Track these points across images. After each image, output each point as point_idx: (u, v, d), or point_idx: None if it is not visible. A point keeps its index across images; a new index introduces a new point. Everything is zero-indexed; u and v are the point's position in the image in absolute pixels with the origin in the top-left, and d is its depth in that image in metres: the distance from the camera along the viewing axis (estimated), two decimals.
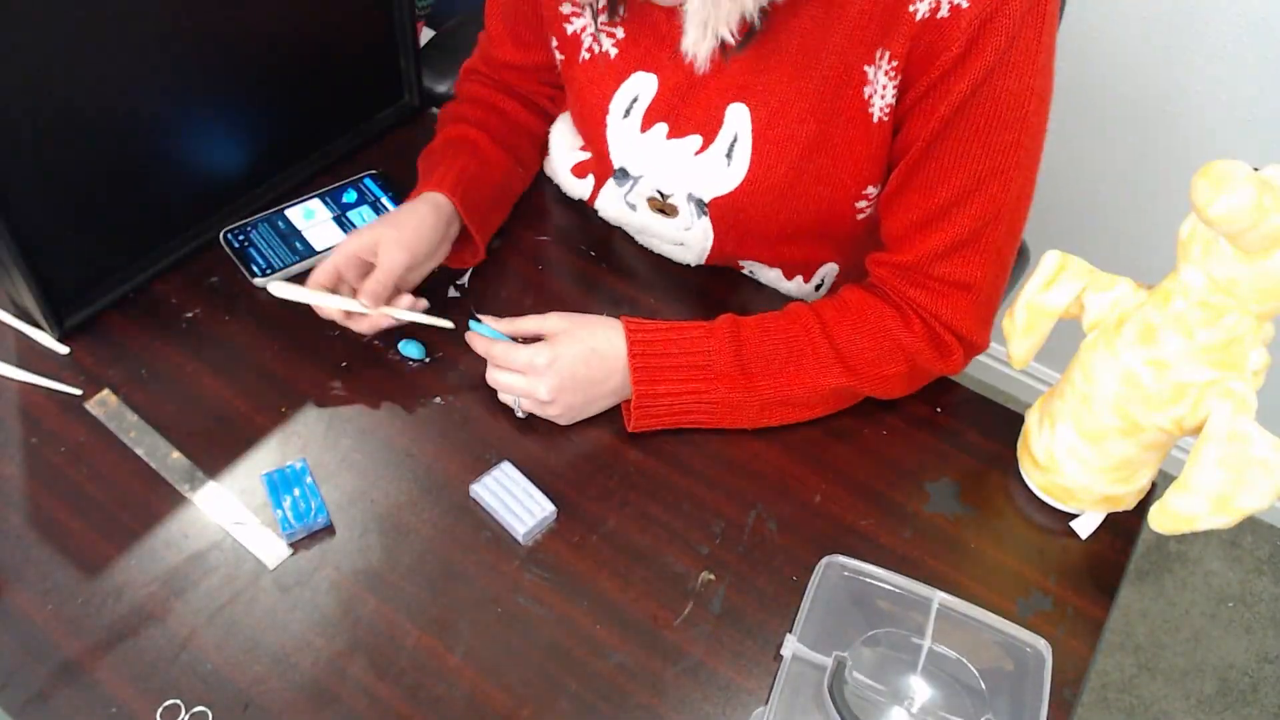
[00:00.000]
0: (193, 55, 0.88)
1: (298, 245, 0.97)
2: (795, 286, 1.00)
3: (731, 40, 0.76)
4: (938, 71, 0.74)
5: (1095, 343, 0.76)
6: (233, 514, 0.79)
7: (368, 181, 1.04)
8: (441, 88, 1.31)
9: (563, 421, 0.85)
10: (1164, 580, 1.76)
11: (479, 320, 0.86)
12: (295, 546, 0.77)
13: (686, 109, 0.87)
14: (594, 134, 0.93)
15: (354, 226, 0.99)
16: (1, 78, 0.75)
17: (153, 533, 0.77)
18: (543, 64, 0.98)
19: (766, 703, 0.71)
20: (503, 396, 0.86)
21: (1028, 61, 0.74)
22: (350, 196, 1.02)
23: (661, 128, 0.88)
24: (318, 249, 0.97)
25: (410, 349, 0.90)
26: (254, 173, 1.01)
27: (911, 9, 0.73)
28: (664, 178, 0.91)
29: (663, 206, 0.92)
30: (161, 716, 0.69)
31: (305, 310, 0.93)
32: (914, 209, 0.82)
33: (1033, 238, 1.24)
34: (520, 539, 0.78)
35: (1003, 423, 0.89)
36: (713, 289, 0.98)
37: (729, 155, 0.86)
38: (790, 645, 0.73)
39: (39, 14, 0.75)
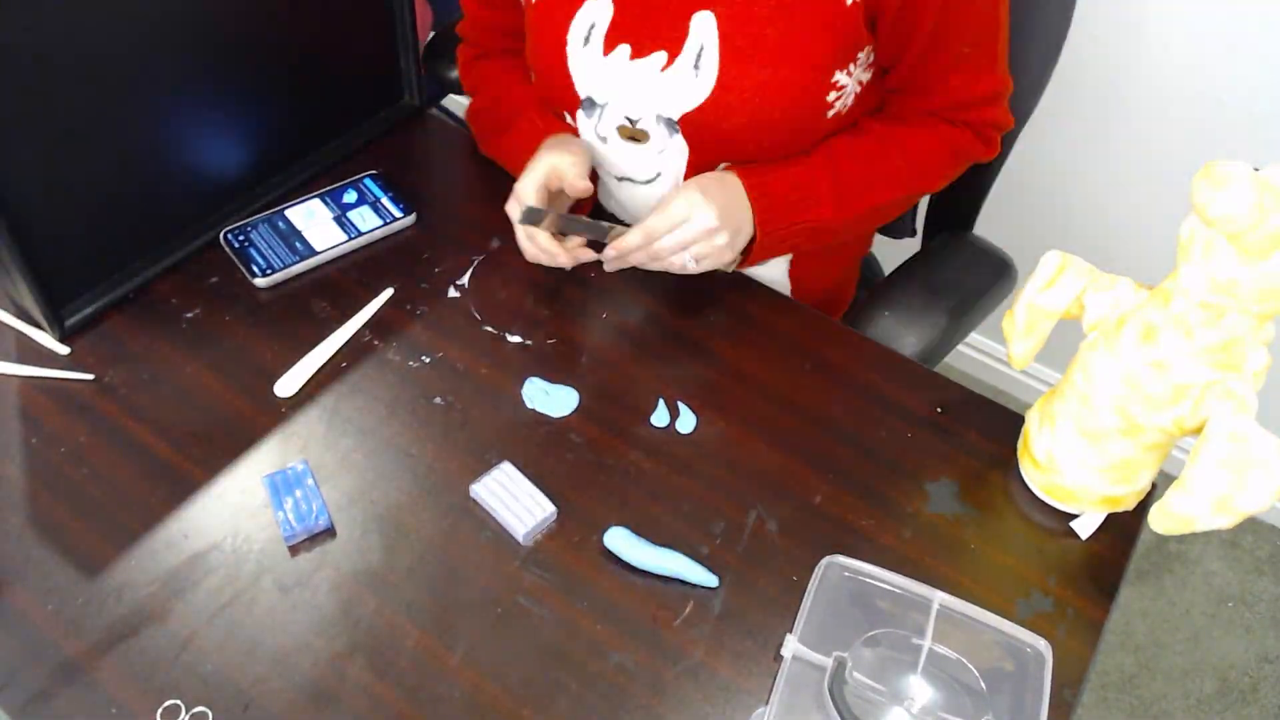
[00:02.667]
0: (193, 55, 0.88)
1: (298, 245, 0.97)
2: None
3: None
4: None
5: (1095, 343, 0.76)
6: (232, 515, 0.79)
7: (368, 181, 1.04)
8: (453, 73, 1.29)
9: (732, 253, 0.90)
10: (1164, 580, 1.76)
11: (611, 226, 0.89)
12: (295, 548, 0.77)
13: (647, 26, 0.87)
14: (556, 67, 0.93)
15: (354, 226, 0.99)
16: (2, 78, 0.75)
17: (153, 533, 0.77)
18: (516, 25, 0.99)
19: (766, 703, 0.71)
20: (670, 263, 0.89)
21: None
22: (350, 196, 1.02)
23: (624, 49, 0.89)
24: (318, 249, 0.97)
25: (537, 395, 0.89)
26: (254, 173, 1.01)
27: None
28: (631, 101, 0.91)
29: (633, 134, 0.92)
30: (162, 717, 0.69)
31: (306, 310, 0.93)
32: (941, 64, 0.90)
33: (1033, 238, 1.24)
34: (520, 539, 0.78)
35: (1003, 423, 0.89)
36: (713, 289, 0.98)
37: (696, 66, 0.86)
38: (790, 645, 0.73)
39: (39, 14, 0.75)
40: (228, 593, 0.75)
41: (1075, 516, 0.83)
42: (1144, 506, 0.83)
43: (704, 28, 0.85)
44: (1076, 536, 0.82)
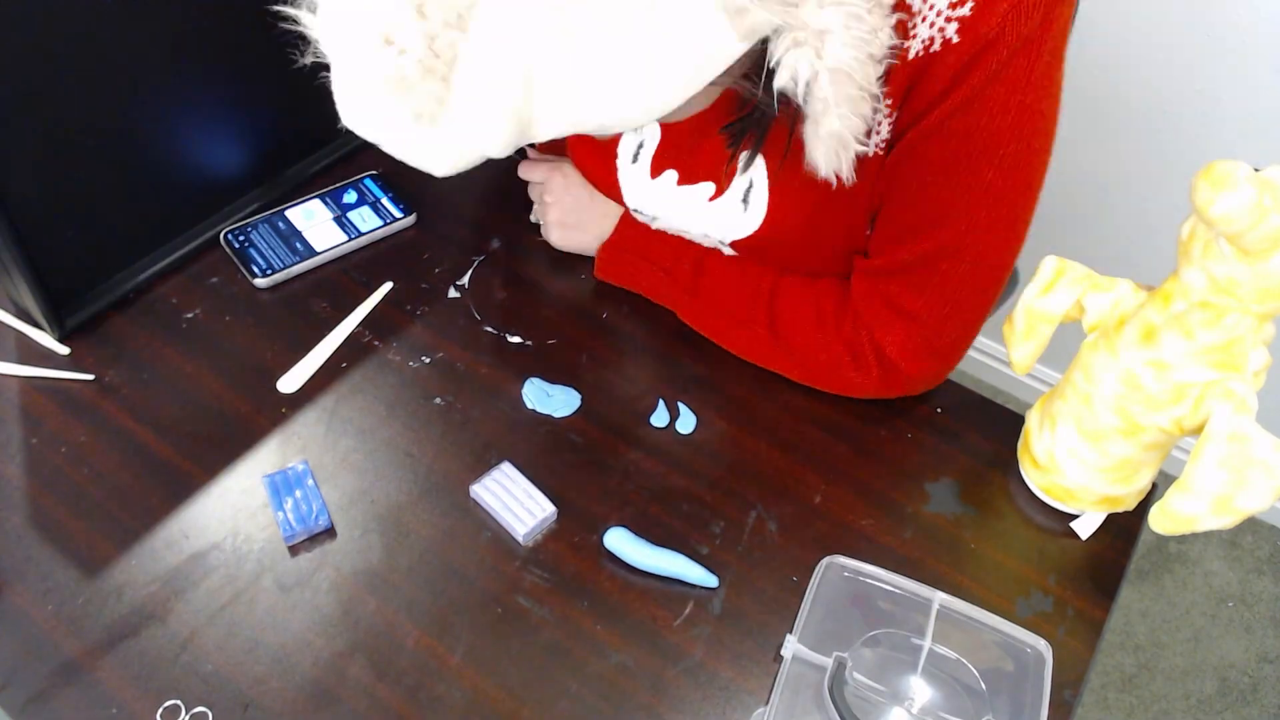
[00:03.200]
0: (193, 55, 0.88)
1: (298, 245, 0.97)
2: None
3: (870, 151, 0.75)
4: (924, 104, 0.71)
5: (1096, 343, 0.76)
6: (232, 515, 0.79)
7: (368, 182, 1.04)
8: None
9: (553, 234, 0.97)
10: (1164, 580, 1.76)
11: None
12: (295, 548, 0.77)
13: (694, 158, 0.85)
14: (605, 177, 0.93)
15: (354, 227, 0.99)
16: (2, 78, 0.75)
17: (153, 533, 0.77)
18: None
19: (767, 703, 0.71)
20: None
21: (1009, 100, 0.69)
22: (350, 197, 1.02)
23: (671, 174, 0.87)
24: (318, 249, 0.97)
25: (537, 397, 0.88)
26: (254, 173, 1.01)
27: (905, 45, 0.69)
28: (681, 220, 0.90)
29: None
30: (162, 717, 0.69)
31: (306, 311, 0.93)
32: (888, 223, 0.80)
33: (1033, 238, 1.24)
34: (520, 539, 0.78)
35: (1003, 423, 0.89)
36: None
37: (745, 201, 0.84)
38: (790, 646, 0.73)
39: (40, 15, 0.75)
40: (228, 592, 0.75)
41: (1075, 516, 0.83)
42: (1144, 506, 0.83)
43: (753, 168, 0.82)
44: (1076, 536, 0.82)
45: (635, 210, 0.93)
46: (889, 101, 0.73)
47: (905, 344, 0.83)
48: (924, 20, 0.68)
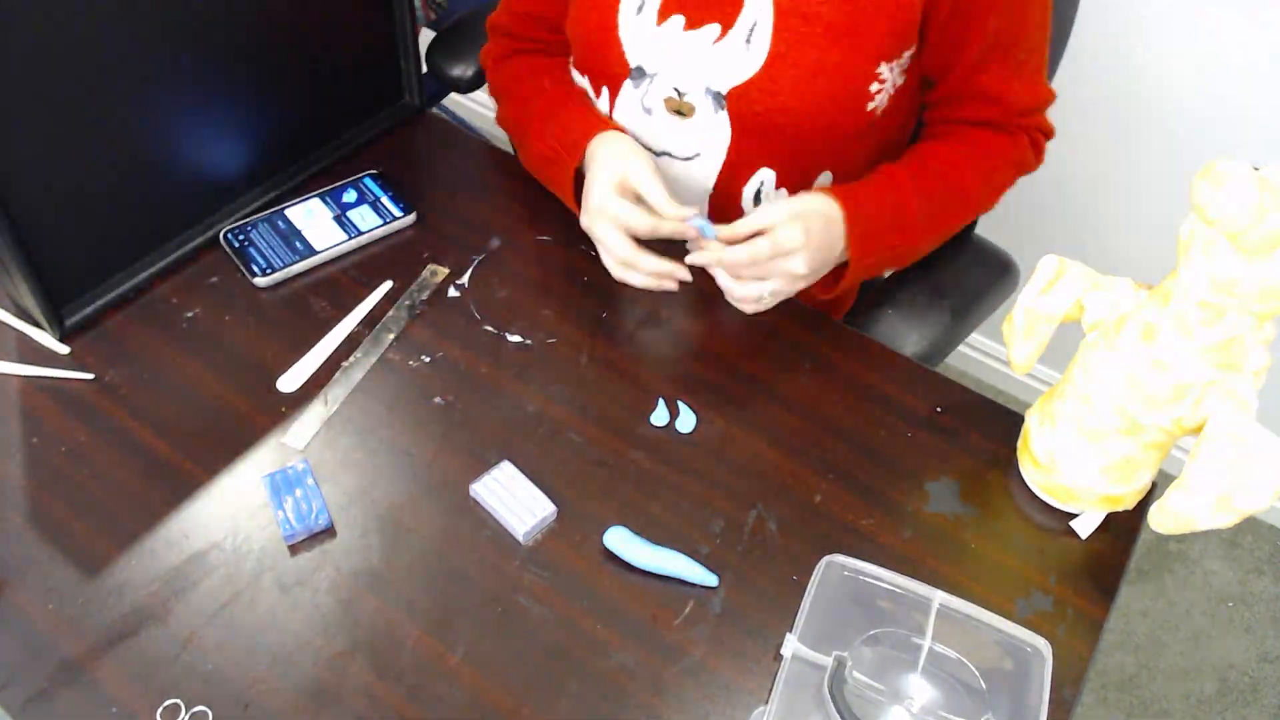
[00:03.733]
0: (193, 55, 0.88)
1: (298, 245, 0.97)
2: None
3: None
4: None
5: (1096, 343, 0.76)
6: (232, 515, 0.79)
7: (368, 181, 1.04)
8: (455, 70, 1.29)
9: (792, 292, 0.89)
10: (1164, 580, 1.76)
11: (703, 222, 0.86)
12: (295, 547, 0.77)
13: (703, 1, 0.87)
14: (605, 35, 0.92)
15: (354, 226, 0.99)
16: (3, 77, 0.75)
17: (153, 533, 0.77)
18: (559, 17, 0.98)
19: (766, 702, 0.71)
20: (739, 296, 0.88)
21: None
22: (350, 196, 1.02)
23: (678, 19, 0.89)
24: (318, 248, 0.97)
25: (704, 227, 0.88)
26: (254, 172, 1.01)
27: None
28: (681, 72, 0.91)
29: (679, 107, 0.92)
30: (162, 716, 0.69)
31: (305, 310, 0.93)
32: (1003, 70, 0.90)
33: (1033, 238, 1.24)
34: (520, 539, 0.78)
35: (1003, 423, 0.89)
36: (714, 289, 0.98)
37: (748, 40, 0.87)
38: (790, 645, 0.73)
39: (39, 14, 0.75)
40: (228, 592, 0.75)
41: (1075, 516, 0.83)
42: (1144, 506, 0.83)
43: (759, 3, 0.86)
44: (1076, 536, 0.82)
45: (636, 68, 0.92)
46: None
47: (1046, 118, 0.98)
48: None
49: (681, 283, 0.89)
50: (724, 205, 0.99)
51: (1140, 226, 1.60)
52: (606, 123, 0.94)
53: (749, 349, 0.93)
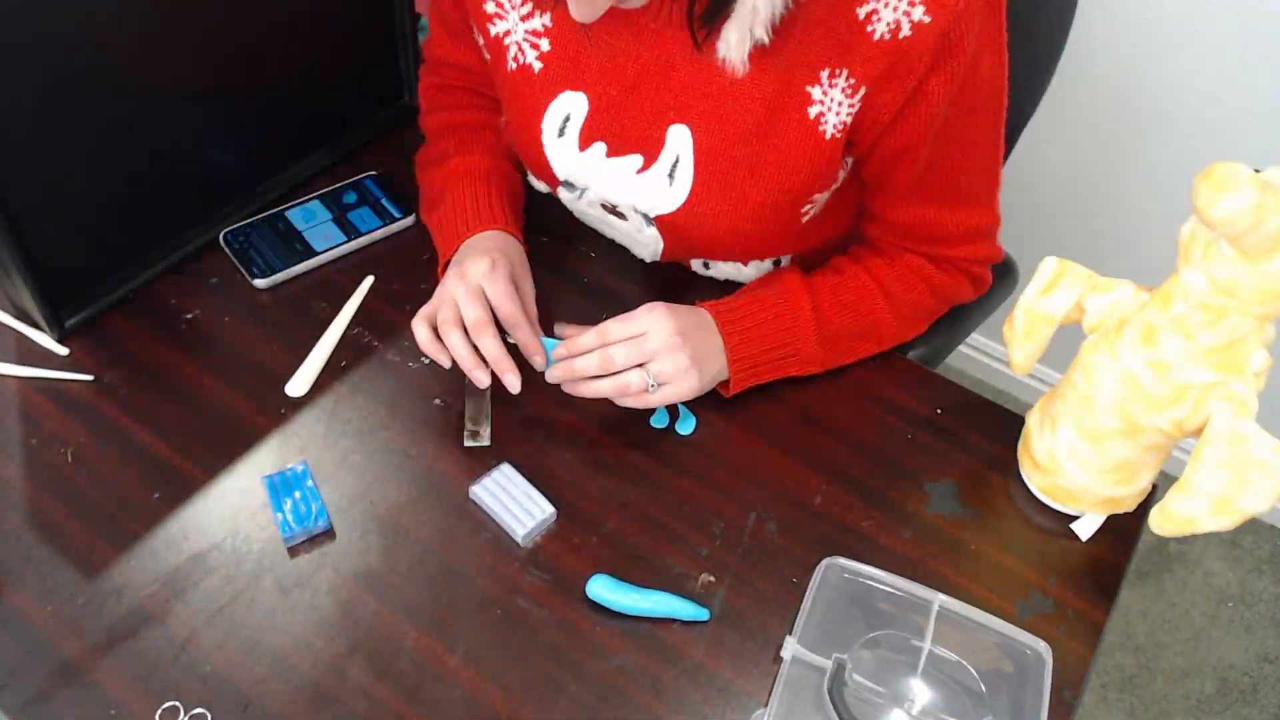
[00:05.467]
0: (193, 56, 0.88)
1: (297, 246, 0.97)
2: (753, 270, 0.98)
3: (766, 40, 0.73)
4: (913, 82, 0.75)
5: (1096, 344, 0.76)
6: (232, 516, 0.79)
7: (367, 182, 1.04)
8: None
9: (697, 385, 0.83)
10: (1164, 580, 1.76)
11: (553, 338, 0.84)
12: (295, 548, 0.77)
13: (623, 128, 0.85)
14: (532, 149, 0.90)
15: (354, 227, 0.99)
16: (3, 79, 0.75)
17: (153, 533, 0.77)
18: (475, 64, 0.96)
19: (766, 705, 0.71)
20: (626, 383, 0.82)
21: (995, 45, 0.77)
22: (350, 197, 1.02)
23: (600, 146, 0.86)
24: (317, 250, 0.97)
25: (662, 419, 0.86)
26: (254, 173, 1.01)
27: (869, 29, 0.73)
28: (609, 192, 0.89)
29: (614, 211, 0.92)
30: (161, 717, 0.69)
31: (305, 311, 0.93)
32: (932, 201, 0.86)
33: (1033, 239, 1.24)
34: (520, 540, 0.78)
35: (1003, 424, 0.89)
36: (714, 289, 0.98)
37: (671, 175, 0.84)
38: (790, 647, 0.73)
39: (39, 15, 0.75)
40: (227, 593, 0.75)
41: (1075, 517, 0.83)
42: (1144, 508, 0.83)
43: (679, 141, 0.83)
44: (1076, 538, 0.82)
45: (565, 182, 0.91)
46: (851, 81, 0.76)
47: (995, 245, 0.93)
48: (885, 5, 0.72)
49: (503, 388, 0.82)
50: (673, 268, 1.00)
51: (1140, 228, 1.60)
52: (490, 221, 0.91)
53: None
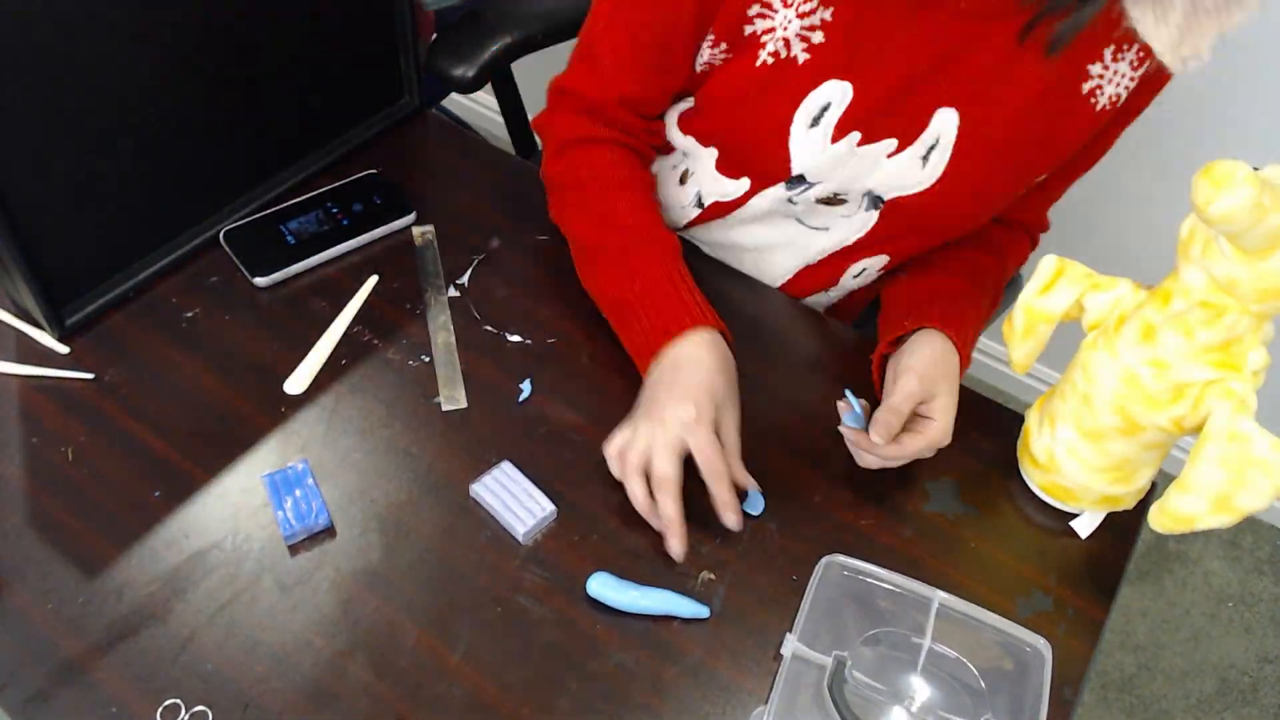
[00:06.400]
0: (192, 55, 0.88)
1: (298, 245, 0.97)
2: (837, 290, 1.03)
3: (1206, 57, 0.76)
4: (1143, 103, 0.85)
5: (1095, 342, 0.76)
6: (232, 514, 0.79)
7: (368, 181, 1.04)
8: (456, 70, 1.27)
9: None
10: (1164, 580, 1.76)
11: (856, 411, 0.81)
12: (295, 547, 0.77)
13: (887, 115, 0.84)
14: (771, 144, 0.87)
15: (354, 226, 0.99)
16: (2, 77, 0.75)
17: (153, 533, 0.77)
18: (666, 92, 0.92)
19: (766, 702, 0.71)
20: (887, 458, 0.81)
21: None
22: (350, 196, 1.02)
23: (854, 136, 0.85)
24: (318, 249, 0.97)
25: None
26: (254, 172, 1.01)
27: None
28: (844, 181, 0.88)
29: (831, 201, 0.91)
30: (161, 716, 0.69)
31: (305, 310, 0.93)
32: (1055, 188, 0.96)
33: None
34: (520, 538, 0.78)
35: (1003, 422, 0.89)
36: (713, 290, 0.98)
37: (925, 158, 0.85)
38: (790, 645, 0.73)
39: (39, 14, 0.75)
40: (227, 592, 0.75)
41: (1075, 516, 0.83)
42: (1144, 506, 0.83)
43: (945, 124, 0.84)
44: (1076, 536, 0.82)
45: (797, 176, 0.88)
46: (1140, 54, 0.81)
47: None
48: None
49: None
50: (820, 270, 0.99)
51: (1140, 226, 1.60)
52: (701, 315, 0.84)
53: (749, 349, 0.93)
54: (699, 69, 0.89)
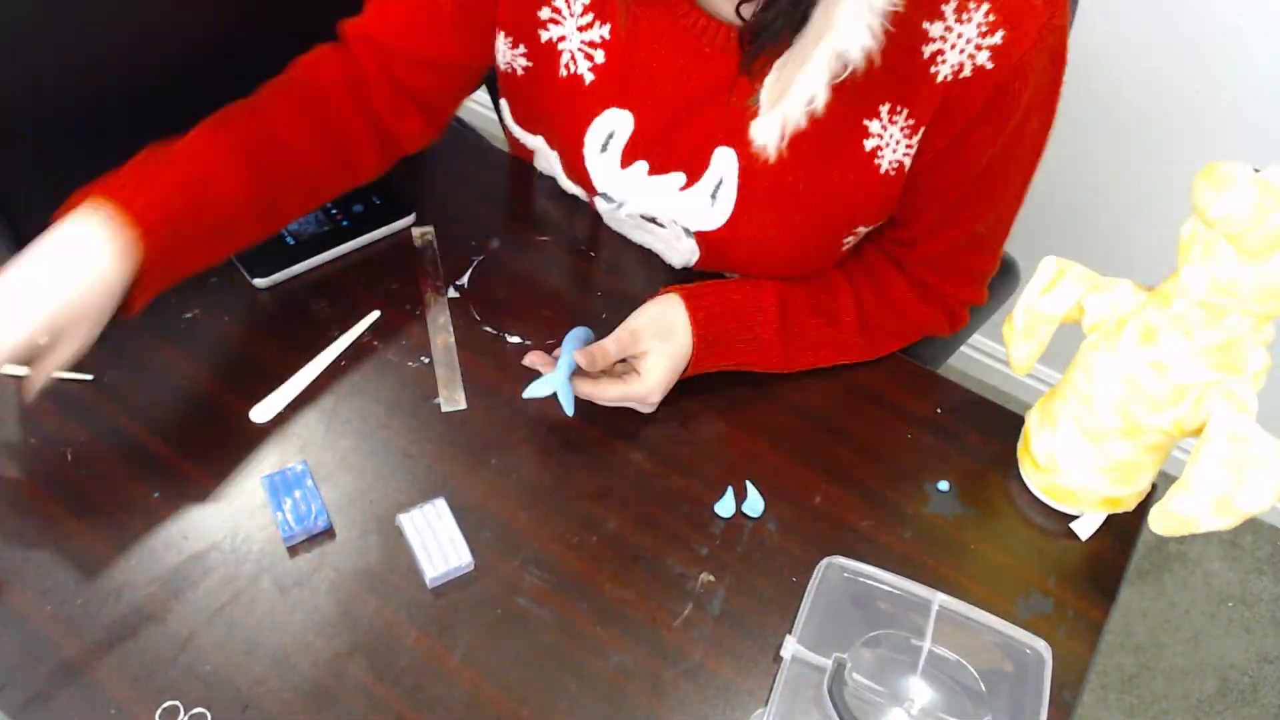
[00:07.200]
0: (193, 55, 0.88)
1: (297, 246, 0.97)
2: None
3: (802, 125, 0.70)
4: (961, 125, 0.76)
5: (1096, 344, 0.76)
6: (231, 515, 0.79)
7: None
8: None
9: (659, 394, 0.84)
10: (1164, 580, 1.76)
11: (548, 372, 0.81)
12: (295, 548, 0.77)
13: (667, 150, 0.85)
14: (572, 159, 0.90)
15: (354, 227, 0.99)
16: (2, 77, 0.75)
17: (152, 533, 0.77)
18: (457, 64, 0.91)
19: (766, 704, 0.71)
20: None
21: (1048, 106, 0.78)
22: (350, 197, 1.02)
23: (642, 165, 0.87)
24: (317, 250, 0.97)
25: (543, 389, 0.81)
26: None
27: (932, 71, 0.74)
28: (648, 207, 0.90)
29: (652, 220, 0.92)
30: (161, 717, 0.69)
31: (305, 311, 0.93)
32: (943, 239, 0.87)
33: (1032, 238, 1.24)
34: (428, 583, 0.76)
35: (1003, 424, 0.89)
36: None
37: (714, 196, 0.85)
38: (790, 646, 0.73)
39: (40, 14, 0.75)
40: (227, 593, 0.75)
41: (1075, 517, 0.83)
42: (1144, 507, 0.83)
43: (724, 164, 0.83)
44: (1076, 537, 0.82)
45: (603, 194, 0.92)
46: (911, 121, 0.77)
47: (983, 289, 0.94)
48: (951, 47, 0.73)
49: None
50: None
51: (1140, 227, 1.60)
52: (94, 209, 0.73)
53: None
54: (504, 68, 0.90)
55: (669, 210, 0.88)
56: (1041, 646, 0.73)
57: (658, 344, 0.83)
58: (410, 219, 1.01)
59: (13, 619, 0.72)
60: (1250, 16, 1.32)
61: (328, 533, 0.78)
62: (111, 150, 0.86)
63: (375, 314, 0.93)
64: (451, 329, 0.92)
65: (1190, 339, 0.70)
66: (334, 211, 1.00)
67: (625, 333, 0.83)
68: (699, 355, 0.85)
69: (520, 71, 0.90)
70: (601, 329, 0.93)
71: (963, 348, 1.84)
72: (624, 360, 0.84)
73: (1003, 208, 0.86)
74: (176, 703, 0.69)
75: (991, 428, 0.89)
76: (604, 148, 0.87)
